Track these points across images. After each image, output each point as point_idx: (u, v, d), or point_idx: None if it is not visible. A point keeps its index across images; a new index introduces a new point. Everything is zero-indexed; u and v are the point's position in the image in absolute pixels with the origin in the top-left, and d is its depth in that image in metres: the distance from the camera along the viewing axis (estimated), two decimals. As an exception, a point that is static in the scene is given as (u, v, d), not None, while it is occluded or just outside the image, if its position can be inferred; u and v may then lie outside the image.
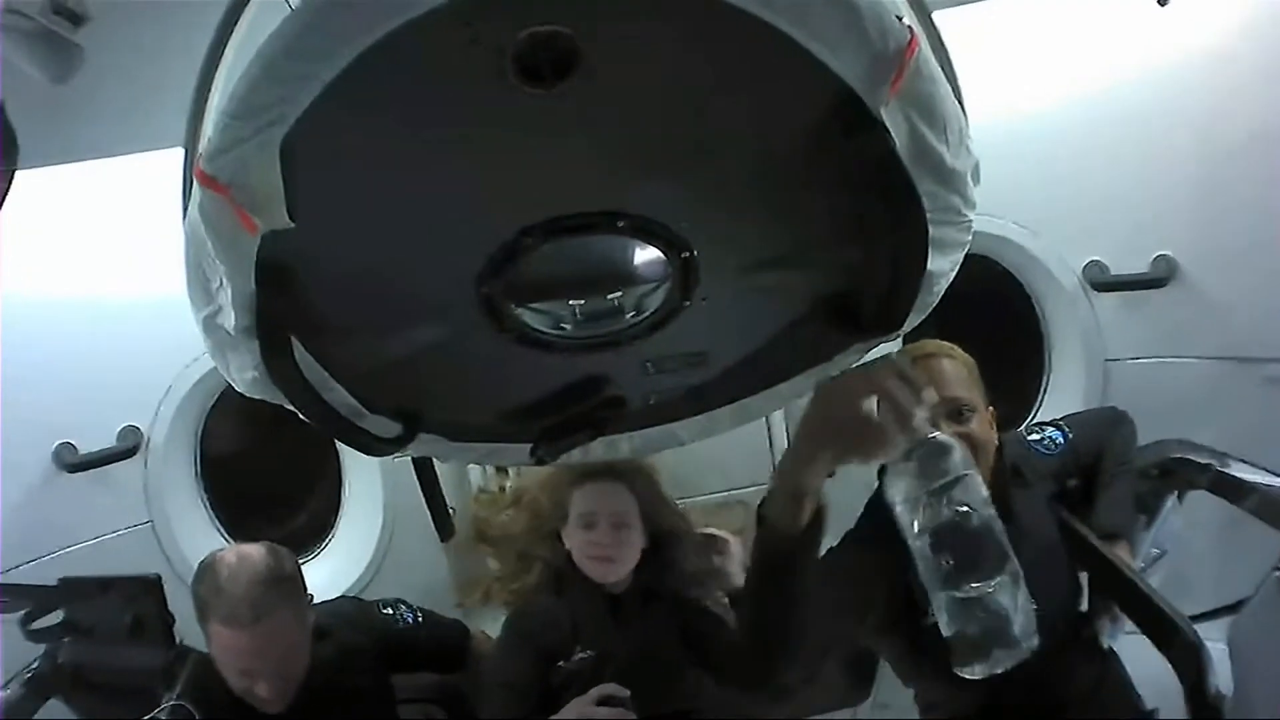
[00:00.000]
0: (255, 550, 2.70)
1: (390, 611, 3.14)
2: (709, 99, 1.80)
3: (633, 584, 3.00)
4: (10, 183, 1.86)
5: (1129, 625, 2.54)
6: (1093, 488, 2.75)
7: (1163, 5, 2.73)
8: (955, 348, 2.58)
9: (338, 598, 3.37)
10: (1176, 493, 2.84)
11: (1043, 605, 2.48)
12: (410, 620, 3.15)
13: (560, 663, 2.85)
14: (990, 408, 2.56)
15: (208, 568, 2.66)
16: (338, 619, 2.99)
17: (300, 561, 3.92)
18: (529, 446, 2.67)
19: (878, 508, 2.59)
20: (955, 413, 2.45)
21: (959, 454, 1.74)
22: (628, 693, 2.72)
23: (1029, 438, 2.81)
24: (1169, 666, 2.31)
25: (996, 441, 2.56)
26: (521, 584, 3.35)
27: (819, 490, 1.77)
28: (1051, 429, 2.83)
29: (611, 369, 2.52)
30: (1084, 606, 2.61)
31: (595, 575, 2.96)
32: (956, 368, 2.53)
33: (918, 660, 2.57)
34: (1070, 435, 2.80)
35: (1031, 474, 2.68)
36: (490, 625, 3.65)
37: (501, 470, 4.25)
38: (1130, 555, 2.64)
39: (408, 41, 1.56)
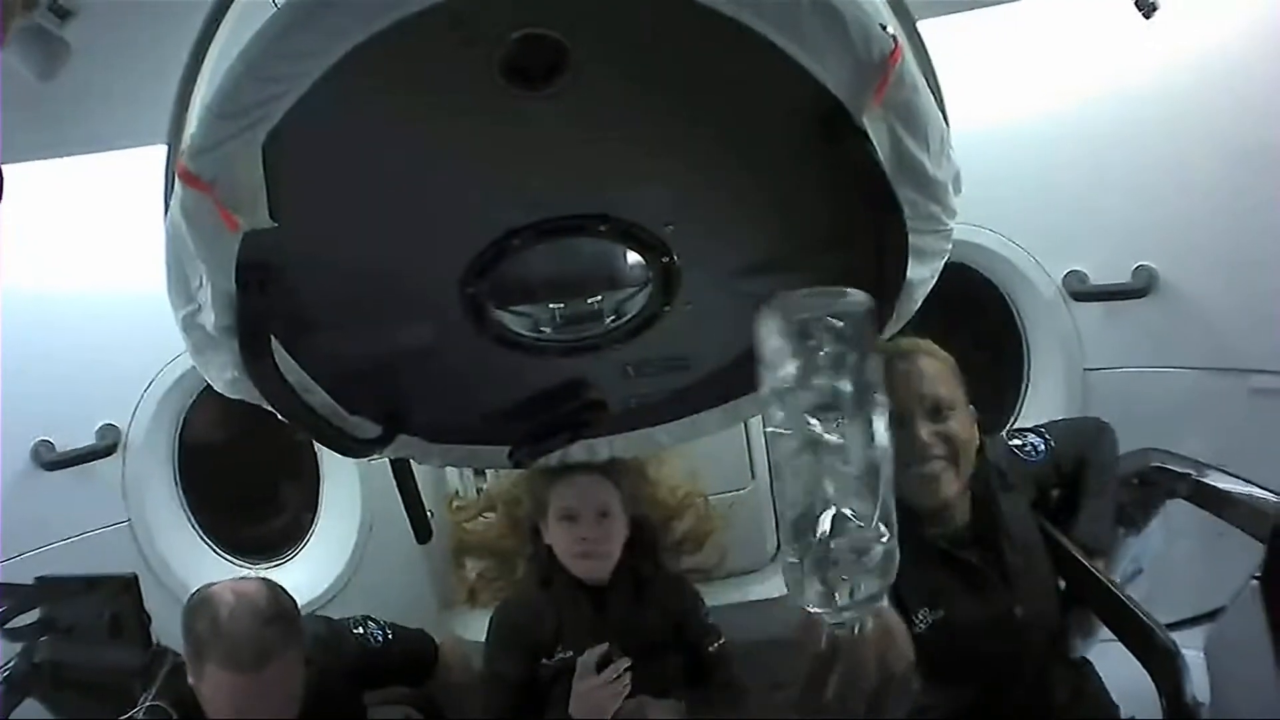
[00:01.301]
0: (254, 586, 2.59)
1: (361, 631, 3.08)
2: (695, 104, 1.80)
3: (616, 575, 2.99)
4: None
5: (1105, 634, 2.54)
6: (1074, 499, 2.75)
7: (1148, 18, 2.74)
8: (934, 345, 2.57)
9: (306, 615, 3.33)
10: (1162, 512, 2.84)
11: (1027, 609, 2.50)
12: (381, 638, 3.10)
13: (544, 660, 2.85)
14: (971, 407, 2.56)
15: (202, 604, 2.54)
16: (316, 645, 2.87)
17: (278, 562, 3.94)
18: (507, 449, 2.68)
19: None
20: (934, 410, 2.46)
21: None
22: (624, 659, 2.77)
23: (1010, 442, 2.81)
24: (1146, 675, 2.32)
25: (978, 441, 2.57)
26: (507, 583, 3.35)
27: None
28: (1033, 435, 2.83)
29: (592, 372, 2.52)
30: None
31: (581, 572, 2.95)
32: (935, 365, 2.52)
33: None
34: (1052, 443, 2.80)
35: (1014, 477, 2.69)
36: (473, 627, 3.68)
37: (479, 472, 4.25)
38: (1107, 568, 2.64)
39: (395, 41, 1.56)
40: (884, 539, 1.64)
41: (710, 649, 3.02)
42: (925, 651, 2.48)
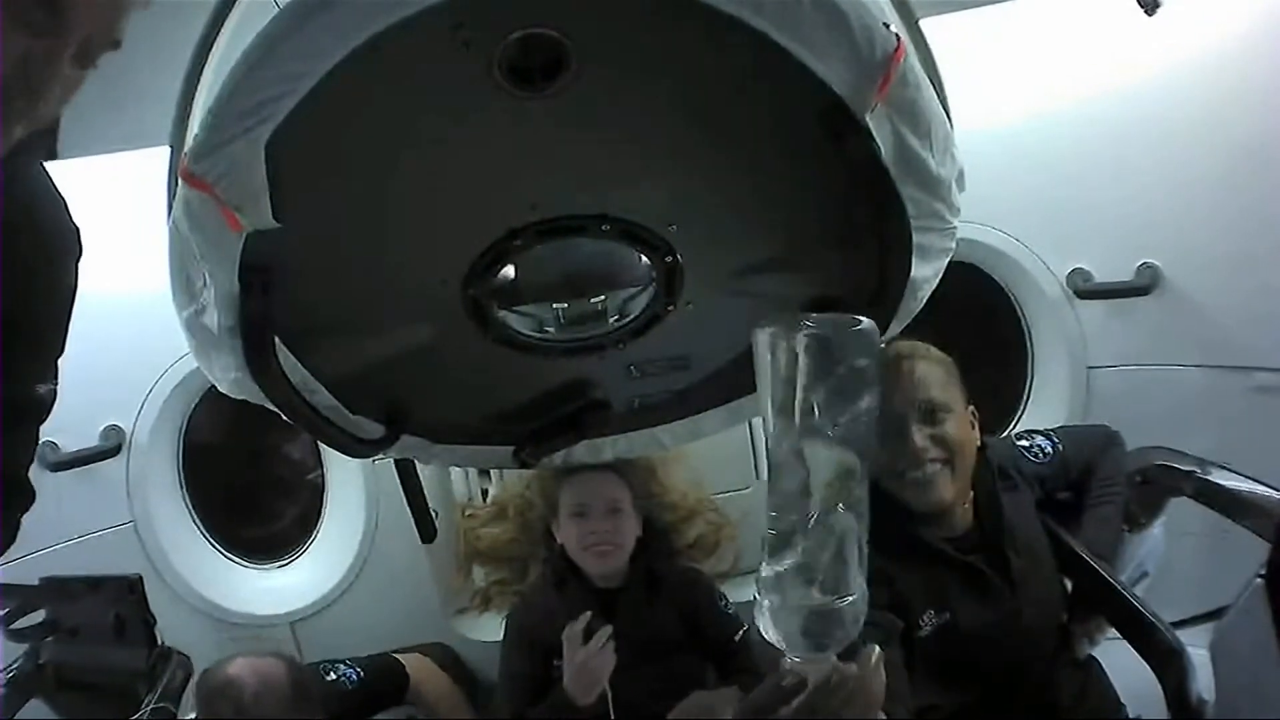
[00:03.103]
0: (272, 667, 2.57)
1: (334, 676, 3.08)
2: (696, 104, 1.80)
3: (627, 579, 3.01)
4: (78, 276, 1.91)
5: (1110, 633, 2.54)
6: (1080, 505, 2.75)
7: (1150, 15, 2.74)
8: (930, 348, 2.56)
9: None
10: (1164, 515, 2.83)
11: (1031, 608, 2.50)
12: (354, 678, 3.09)
13: (557, 661, 2.85)
14: (971, 408, 2.55)
15: (224, 689, 2.52)
16: None
17: (282, 563, 3.94)
18: (512, 449, 2.68)
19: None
20: (928, 414, 2.45)
21: None
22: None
23: (1018, 443, 2.80)
24: (1151, 673, 2.31)
25: (978, 442, 2.56)
26: (521, 587, 3.37)
27: None
28: (1041, 438, 2.82)
29: (595, 373, 2.52)
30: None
31: (593, 567, 2.97)
32: (930, 368, 2.51)
33: (908, 666, 2.58)
34: (1060, 447, 2.79)
35: (1019, 477, 2.68)
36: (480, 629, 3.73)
37: (484, 473, 4.25)
38: (1113, 569, 2.63)
39: (396, 42, 1.56)
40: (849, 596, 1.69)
41: (735, 639, 3.04)
42: (930, 654, 2.48)
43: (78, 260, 1.88)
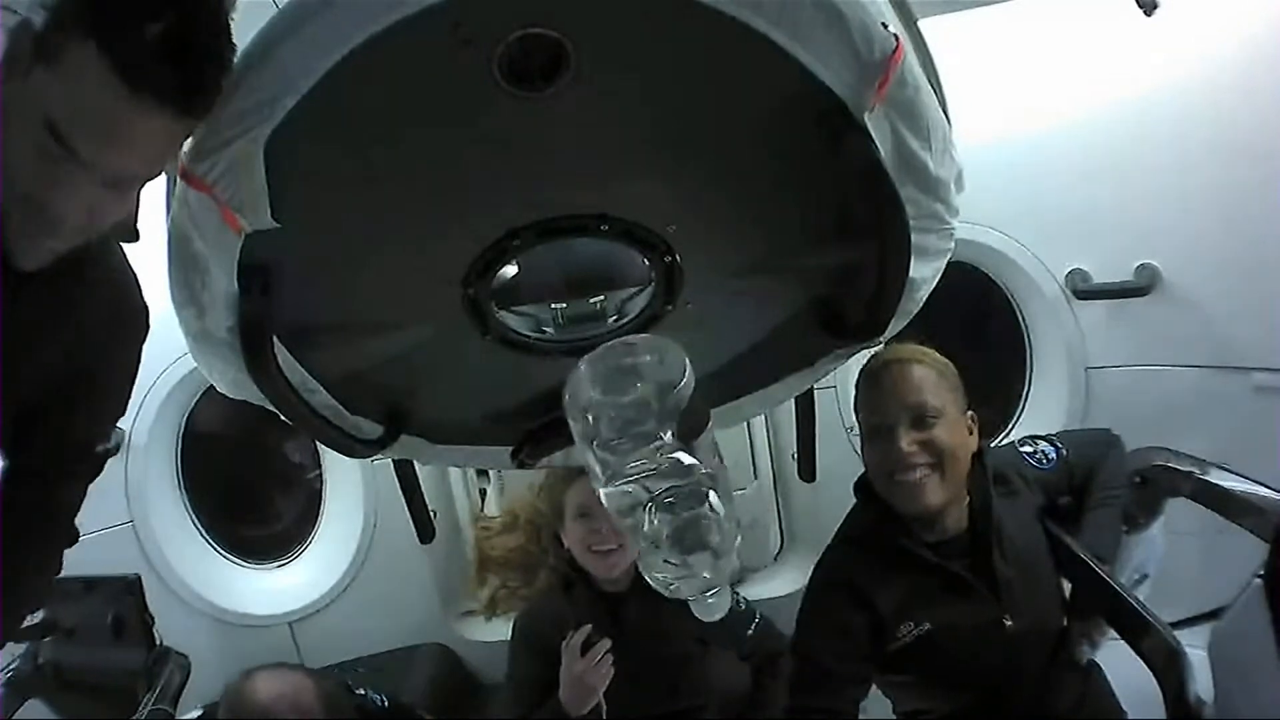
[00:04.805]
0: (300, 687, 2.56)
1: (363, 692, 3.06)
2: (695, 104, 1.80)
3: (634, 584, 3.00)
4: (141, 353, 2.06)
5: (1109, 634, 2.54)
6: (1081, 507, 2.74)
7: (1148, 15, 2.73)
8: (928, 351, 2.55)
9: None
10: (1163, 516, 2.83)
11: (1019, 617, 2.49)
12: (380, 703, 3.08)
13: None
14: (969, 413, 2.54)
15: (257, 715, 2.49)
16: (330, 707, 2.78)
17: (281, 563, 3.94)
18: (510, 450, 2.67)
19: (846, 538, 2.61)
20: (918, 419, 2.44)
21: None
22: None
23: (1021, 449, 2.80)
24: (1150, 674, 2.31)
25: (974, 447, 2.55)
26: (529, 592, 3.37)
27: None
28: (1044, 443, 2.80)
29: (594, 372, 2.52)
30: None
31: (599, 570, 2.99)
32: (925, 372, 2.50)
33: (889, 678, 2.59)
34: (1064, 452, 2.77)
35: (1020, 483, 2.67)
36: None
37: (482, 473, 4.25)
38: (1112, 571, 2.63)
39: (395, 42, 1.56)
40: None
41: (749, 631, 3.09)
42: (910, 662, 2.48)
43: (144, 339, 2.04)
